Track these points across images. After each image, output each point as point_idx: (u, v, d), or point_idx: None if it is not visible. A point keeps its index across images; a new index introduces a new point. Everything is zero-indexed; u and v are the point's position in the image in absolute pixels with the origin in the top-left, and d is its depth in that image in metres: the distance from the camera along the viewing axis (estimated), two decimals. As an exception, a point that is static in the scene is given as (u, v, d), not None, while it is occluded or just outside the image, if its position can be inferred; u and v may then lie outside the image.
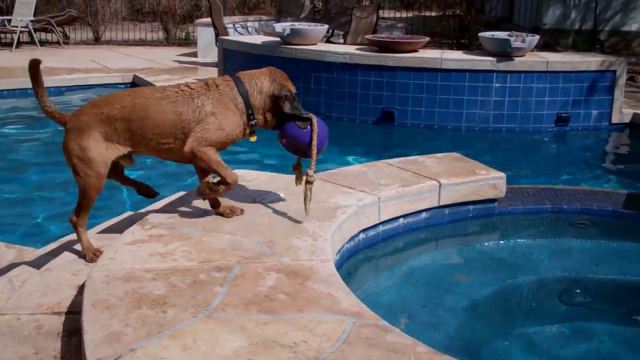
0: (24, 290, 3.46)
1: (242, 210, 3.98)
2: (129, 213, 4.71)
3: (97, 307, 2.88)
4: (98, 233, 4.31)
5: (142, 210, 4.60)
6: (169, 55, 14.05)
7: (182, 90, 3.84)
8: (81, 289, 3.33)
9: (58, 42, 15.34)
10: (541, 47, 12.68)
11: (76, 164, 3.73)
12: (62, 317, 3.18)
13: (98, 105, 3.81)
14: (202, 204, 4.07)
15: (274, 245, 3.55)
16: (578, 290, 4.28)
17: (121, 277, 3.15)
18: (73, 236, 4.24)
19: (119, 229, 4.24)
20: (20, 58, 12.19)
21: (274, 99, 3.88)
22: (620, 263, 4.59)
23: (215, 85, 3.88)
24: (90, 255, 3.78)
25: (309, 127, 3.83)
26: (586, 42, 14.63)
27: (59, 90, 10.81)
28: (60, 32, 15.53)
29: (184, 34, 16.68)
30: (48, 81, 10.71)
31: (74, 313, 3.19)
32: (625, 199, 5.23)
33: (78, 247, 3.95)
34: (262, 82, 3.92)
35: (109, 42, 16.05)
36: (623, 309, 4.16)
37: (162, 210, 4.10)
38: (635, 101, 9.61)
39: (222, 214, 3.93)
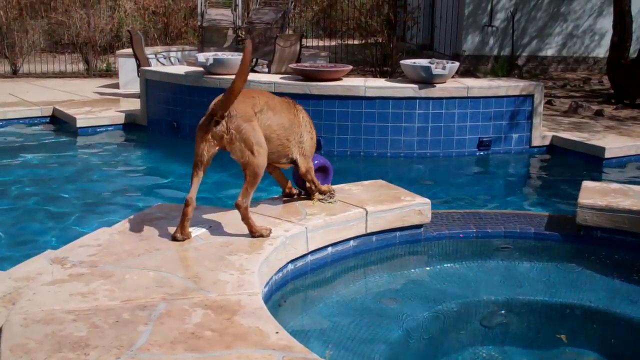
0: (-63, 337, 3.29)
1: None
2: (48, 251, 4.55)
3: (15, 352, 2.76)
4: (15, 274, 4.15)
5: (61, 249, 4.46)
6: (89, 87, 13.80)
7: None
8: (-2, 333, 3.20)
9: (-26, 76, 14.93)
10: (462, 73, 12.98)
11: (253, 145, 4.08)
12: (-22, 364, 3.04)
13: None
14: (125, 240, 3.97)
15: (200, 280, 3.48)
16: (503, 312, 4.33)
17: (40, 320, 3.03)
18: (-11, 277, 4.09)
19: (37, 269, 4.10)
20: None
21: None
22: (544, 284, 4.67)
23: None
24: (267, 233, 4.12)
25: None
26: (505, 67, 15.00)
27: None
28: (-24, 65, 15.12)
29: (104, 65, 16.43)
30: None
31: (-10, 359, 3.05)
32: (547, 221, 5.33)
33: (-5, 288, 3.81)
34: None
35: (28, 75, 15.67)
36: (548, 329, 4.22)
37: (83, 247, 3.98)
38: (554, 124, 9.86)
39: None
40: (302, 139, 4.59)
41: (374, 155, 8.71)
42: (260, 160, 4.11)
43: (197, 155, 4.11)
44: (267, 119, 4.27)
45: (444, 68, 8.66)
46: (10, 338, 2.88)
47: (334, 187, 4.97)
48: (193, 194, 4.11)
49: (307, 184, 4.78)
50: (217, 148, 4.09)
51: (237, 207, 4.09)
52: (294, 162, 4.59)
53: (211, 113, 4.07)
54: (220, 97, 4.12)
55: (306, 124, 4.66)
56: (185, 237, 4.06)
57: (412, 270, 4.94)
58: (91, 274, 3.53)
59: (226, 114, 4.02)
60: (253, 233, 4.11)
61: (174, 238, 4.06)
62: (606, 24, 15.04)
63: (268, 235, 4.12)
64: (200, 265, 3.68)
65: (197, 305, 3.20)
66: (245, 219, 4.11)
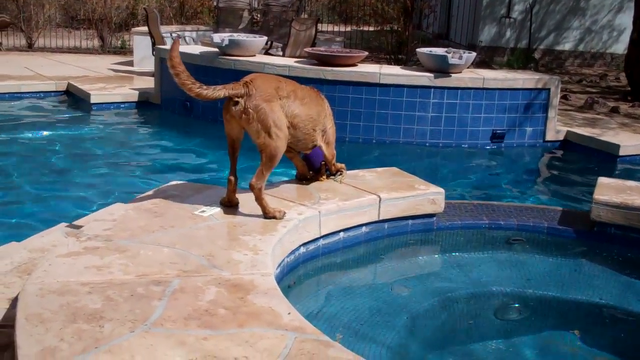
0: (-47, 304, 3.32)
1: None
2: (62, 224, 4.58)
3: (31, 321, 2.78)
4: (29, 245, 4.17)
5: (76, 222, 4.49)
6: (104, 64, 13.81)
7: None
8: (14, 302, 3.22)
9: (-11, 48, 14.96)
10: (477, 64, 12.91)
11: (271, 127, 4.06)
12: (-6, 332, 3.07)
13: None
14: (140, 216, 3.99)
15: (213, 259, 3.50)
16: (516, 305, 4.33)
17: (56, 291, 3.05)
18: (4, 247, 4.13)
19: (52, 241, 4.13)
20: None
21: None
22: (556, 278, 4.67)
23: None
24: (280, 215, 4.12)
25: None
26: (521, 60, 14.95)
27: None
28: (-8, 37, 15.14)
29: (119, 42, 16.44)
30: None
31: (6, 327, 3.07)
32: (560, 216, 5.32)
33: (10, 258, 3.83)
34: None
35: (43, 49, 15.70)
36: (560, 324, 4.22)
37: (98, 221, 3.99)
38: (569, 119, 9.83)
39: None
40: (325, 128, 4.64)
41: (386, 143, 8.70)
42: (278, 143, 4.11)
43: (226, 134, 4.18)
44: (295, 108, 4.27)
45: (460, 58, 8.63)
46: (26, 307, 2.90)
47: (347, 172, 5.01)
48: (231, 173, 4.23)
49: (326, 169, 4.88)
50: (239, 128, 4.10)
51: (251, 187, 4.10)
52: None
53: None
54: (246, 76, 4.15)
55: (330, 113, 4.72)
56: (231, 204, 4.25)
57: (424, 258, 4.95)
58: (106, 247, 3.55)
59: (246, 92, 4.02)
60: (266, 214, 4.12)
61: (220, 202, 4.27)
62: (626, 19, 14.96)
63: (282, 218, 4.13)
64: (214, 244, 3.69)
65: (211, 283, 3.22)
66: (259, 200, 4.12)
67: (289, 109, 4.21)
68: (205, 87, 3.93)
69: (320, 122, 4.56)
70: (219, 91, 3.97)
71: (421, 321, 4.03)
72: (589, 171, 7.92)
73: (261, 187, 4.09)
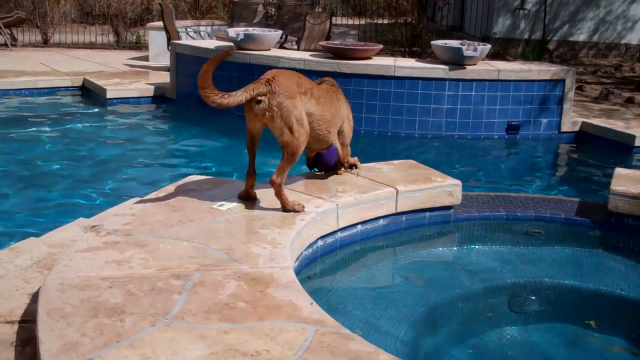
0: (-25, 299, 3.36)
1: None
2: (81, 219, 4.61)
3: (52, 316, 2.81)
4: (49, 240, 4.20)
5: (95, 217, 4.52)
6: (119, 59, 13.86)
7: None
8: (35, 297, 3.25)
9: (5, 44, 15.02)
10: (491, 56, 12.86)
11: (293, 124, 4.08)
12: (16, 326, 3.09)
13: None
14: (158, 210, 4.02)
15: (232, 252, 3.51)
16: (532, 297, 4.32)
17: (76, 285, 3.08)
18: (24, 242, 4.15)
19: (71, 236, 4.16)
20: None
21: None
22: (573, 270, 4.66)
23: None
24: (300, 208, 4.14)
25: None
26: (535, 51, 14.88)
27: (7, 93, 10.58)
28: (8, 34, 15.20)
29: (134, 37, 16.48)
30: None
31: (27, 322, 3.10)
32: (577, 207, 5.31)
33: (29, 253, 3.87)
34: None
35: (58, 45, 15.77)
36: (576, 314, 4.22)
37: (117, 216, 4.02)
38: (584, 110, 9.79)
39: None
40: (342, 129, 4.65)
41: (401, 136, 8.70)
42: (301, 140, 4.11)
43: (247, 130, 4.18)
44: (310, 106, 4.25)
45: (475, 50, 8.60)
46: (47, 302, 2.93)
47: (362, 164, 5.01)
48: (250, 167, 4.25)
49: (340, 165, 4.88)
50: (261, 125, 4.11)
51: (272, 183, 4.11)
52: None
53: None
54: (267, 73, 4.15)
55: (347, 113, 4.71)
56: (249, 198, 4.28)
57: (441, 251, 4.95)
58: (125, 242, 3.57)
59: (269, 90, 4.02)
60: (286, 208, 4.13)
61: (238, 196, 4.31)
62: (640, 10, 14.87)
63: (301, 210, 4.14)
64: (233, 237, 3.71)
65: (230, 277, 3.23)
66: (279, 195, 4.13)
67: (305, 106, 4.21)
68: (226, 95, 3.90)
69: (335, 123, 4.53)
70: (241, 96, 3.95)
71: (439, 313, 4.04)
72: (604, 162, 7.89)
73: (281, 183, 4.11)
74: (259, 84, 4.04)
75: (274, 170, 4.11)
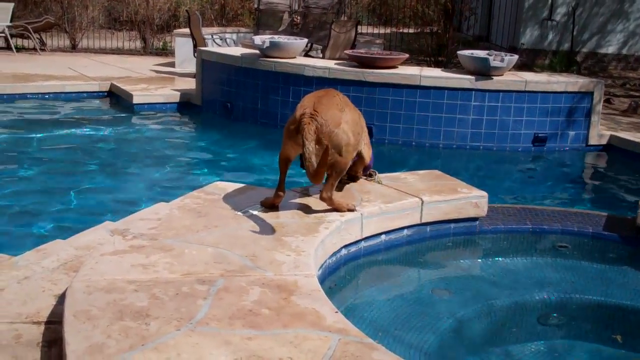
0: (2, 299, 3.37)
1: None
2: (107, 222, 4.63)
3: (78, 317, 2.83)
4: (75, 243, 4.23)
5: (121, 220, 4.54)
6: (146, 65, 13.95)
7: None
8: (61, 298, 3.27)
9: (34, 49, 15.18)
10: (518, 67, 12.79)
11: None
12: (42, 327, 3.12)
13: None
14: (184, 216, 4.03)
15: (257, 259, 3.52)
16: (556, 310, 4.28)
17: (102, 288, 3.09)
18: (51, 244, 4.19)
19: (98, 239, 4.18)
20: (-5, 63, 12.06)
21: None
22: (600, 284, 4.61)
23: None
24: (353, 207, 4.30)
25: None
26: (563, 63, 14.77)
27: (35, 97, 10.69)
28: (37, 38, 15.37)
29: (161, 43, 16.59)
30: (23, 87, 10.69)
31: (53, 323, 3.12)
32: (605, 221, 5.25)
33: (56, 255, 3.90)
34: None
35: (86, 50, 15.91)
36: (602, 329, 4.17)
37: (143, 220, 4.04)
38: (612, 123, 9.70)
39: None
40: (361, 152, 4.67)
41: (425, 146, 8.66)
42: (349, 158, 4.29)
43: (283, 154, 4.21)
44: (346, 115, 4.32)
45: (502, 60, 8.56)
46: (73, 304, 2.95)
47: (385, 174, 5.03)
48: (279, 188, 4.28)
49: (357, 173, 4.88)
50: (299, 151, 4.13)
51: (323, 200, 4.25)
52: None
53: (299, 120, 4.09)
54: (306, 102, 4.18)
55: (366, 137, 4.78)
56: (273, 207, 4.31)
57: (466, 262, 4.92)
58: (151, 246, 3.59)
59: (317, 126, 4.06)
60: (341, 211, 4.27)
61: (261, 203, 4.33)
62: (670, 23, 14.74)
63: (354, 210, 4.30)
64: (257, 244, 3.71)
65: (255, 284, 3.23)
66: (332, 205, 4.26)
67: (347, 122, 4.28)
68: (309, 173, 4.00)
69: (361, 126, 4.58)
70: (313, 160, 3.98)
71: (463, 326, 4.01)
72: (633, 176, 7.81)
73: (331, 196, 4.24)
74: (309, 125, 4.03)
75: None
